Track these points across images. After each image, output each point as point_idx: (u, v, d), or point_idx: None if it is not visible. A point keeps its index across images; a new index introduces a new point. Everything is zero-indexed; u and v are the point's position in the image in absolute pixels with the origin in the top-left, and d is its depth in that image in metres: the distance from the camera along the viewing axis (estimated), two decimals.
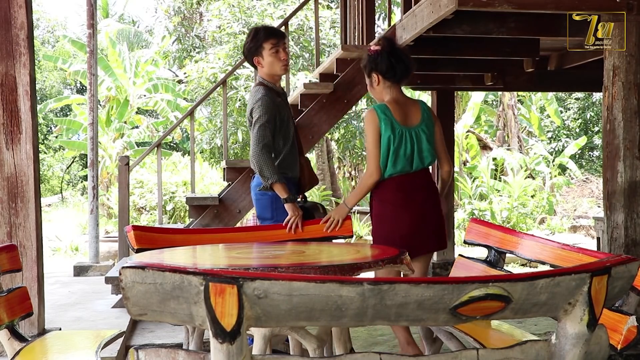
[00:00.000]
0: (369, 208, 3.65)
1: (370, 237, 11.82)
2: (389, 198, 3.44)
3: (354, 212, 12.42)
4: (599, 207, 14.04)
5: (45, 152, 24.80)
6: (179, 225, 8.89)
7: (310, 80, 8.69)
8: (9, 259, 2.39)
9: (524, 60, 6.59)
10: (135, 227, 3.04)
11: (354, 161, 15.61)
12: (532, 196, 14.04)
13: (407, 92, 13.92)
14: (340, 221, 3.46)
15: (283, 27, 6.84)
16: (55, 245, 11.41)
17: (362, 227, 11.89)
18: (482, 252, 2.85)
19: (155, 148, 7.15)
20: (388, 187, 3.43)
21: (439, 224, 3.50)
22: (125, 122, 17.54)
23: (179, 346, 3.43)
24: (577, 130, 21.38)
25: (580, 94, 20.77)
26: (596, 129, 20.81)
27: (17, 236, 3.48)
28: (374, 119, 3.36)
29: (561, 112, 20.72)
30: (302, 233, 3.47)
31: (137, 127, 18.31)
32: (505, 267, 2.84)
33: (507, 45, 5.86)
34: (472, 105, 15.17)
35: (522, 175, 14.61)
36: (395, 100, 3.44)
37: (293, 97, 6.33)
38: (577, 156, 19.97)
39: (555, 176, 16.23)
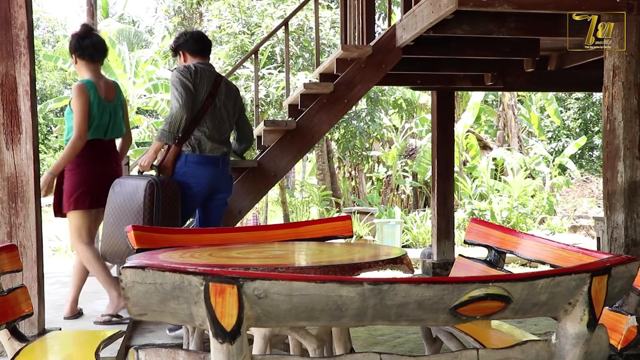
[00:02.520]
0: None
1: (370, 237, 11.83)
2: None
3: (354, 212, 12.43)
4: (599, 207, 14.04)
5: (45, 152, 24.80)
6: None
7: (310, 80, 8.69)
8: (9, 259, 2.39)
9: (524, 60, 6.59)
10: (135, 227, 3.04)
11: (354, 161, 15.61)
12: (532, 196, 14.04)
13: (407, 91, 13.93)
14: (46, 188, 3.96)
15: (283, 27, 6.85)
16: (55, 245, 11.41)
17: (362, 227, 11.89)
18: (482, 252, 2.85)
19: None
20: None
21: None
22: None
23: (179, 346, 3.42)
24: (577, 130, 21.39)
25: (580, 94, 20.78)
26: (596, 129, 20.81)
27: (17, 236, 3.48)
28: (84, 91, 4.00)
29: (561, 112, 20.73)
30: (302, 233, 3.48)
31: (137, 127, 18.31)
32: (505, 267, 2.84)
33: (507, 45, 5.87)
34: (472, 105, 15.17)
35: (522, 175, 14.61)
36: (98, 78, 4.15)
37: (293, 97, 6.33)
38: (577, 156, 19.98)
39: (555, 176, 16.23)
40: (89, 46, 4.13)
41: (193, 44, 4.37)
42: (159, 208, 3.91)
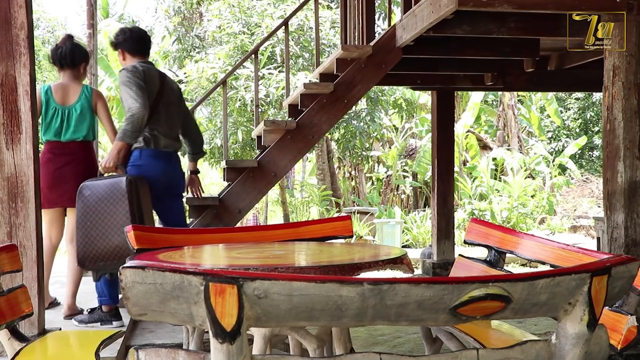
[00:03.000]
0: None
1: (370, 237, 11.83)
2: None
3: (354, 212, 12.42)
4: (599, 207, 14.04)
5: None
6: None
7: (310, 80, 8.68)
8: (9, 259, 2.38)
9: (524, 60, 6.59)
10: (135, 227, 3.04)
11: (354, 161, 15.61)
12: (532, 196, 14.04)
13: (407, 91, 13.93)
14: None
15: (283, 27, 6.85)
16: None
17: (362, 227, 11.89)
18: (482, 252, 2.85)
19: None
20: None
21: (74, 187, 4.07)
22: None
23: (179, 346, 3.42)
24: (577, 130, 21.38)
25: (580, 94, 20.78)
26: (596, 129, 20.81)
27: (17, 236, 3.48)
28: (39, 94, 4.27)
29: (561, 112, 20.72)
30: (302, 233, 3.48)
31: None
32: (505, 267, 2.84)
33: (507, 45, 5.87)
34: (472, 105, 15.17)
35: (522, 175, 14.60)
36: (60, 83, 4.40)
37: (293, 97, 6.33)
38: (577, 156, 19.97)
39: (555, 176, 16.23)
40: (56, 55, 4.43)
41: (132, 43, 4.37)
42: (140, 204, 3.92)
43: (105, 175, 4.13)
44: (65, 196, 4.26)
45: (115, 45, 4.43)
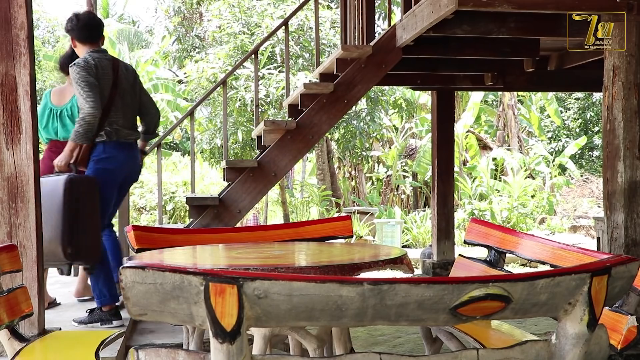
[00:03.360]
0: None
1: (370, 237, 11.83)
2: None
3: (354, 212, 12.42)
4: (599, 207, 14.04)
5: None
6: (179, 225, 8.89)
7: (310, 80, 8.68)
8: (9, 259, 2.38)
9: (524, 60, 6.59)
10: (135, 227, 3.05)
11: (354, 161, 15.61)
12: (532, 196, 14.03)
13: (407, 91, 13.93)
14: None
15: (283, 27, 6.85)
16: None
17: (362, 227, 11.89)
18: (482, 252, 2.85)
19: (156, 148, 7.15)
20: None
21: None
22: None
23: (179, 346, 3.42)
24: (577, 130, 21.38)
25: (580, 94, 20.77)
26: (596, 129, 20.81)
27: (17, 236, 3.47)
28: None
29: (561, 112, 20.72)
30: (302, 233, 3.49)
31: None
32: (505, 267, 2.84)
33: (507, 45, 5.87)
34: (472, 105, 15.16)
35: (522, 175, 14.60)
36: (60, 87, 4.76)
37: (293, 97, 6.33)
38: (577, 156, 19.97)
39: (555, 176, 16.23)
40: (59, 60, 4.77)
41: (79, 32, 4.28)
42: (79, 203, 3.90)
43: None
44: None
45: (66, 32, 4.42)
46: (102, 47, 4.37)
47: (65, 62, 4.46)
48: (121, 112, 4.29)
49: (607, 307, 1.85)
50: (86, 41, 4.27)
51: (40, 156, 4.20)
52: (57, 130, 4.59)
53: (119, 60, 4.43)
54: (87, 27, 4.28)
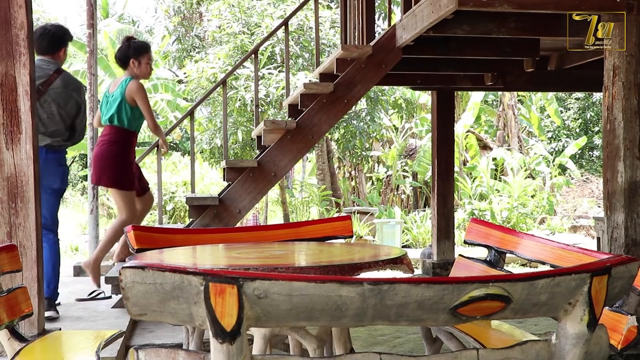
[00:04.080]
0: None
1: (370, 237, 11.82)
2: None
3: (354, 212, 12.41)
4: (599, 207, 14.04)
5: None
6: (179, 225, 8.89)
7: (310, 80, 8.68)
8: (9, 259, 2.38)
9: (524, 60, 6.59)
10: (135, 227, 3.04)
11: (354, 161, 15.60)
12: (532, 196, 14.03)
13: (407, 91, 13.93)
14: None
15: (283, 27, 6.85)
16: None
17: (362, 227, 11.89)
18: (482, 252, 2.85)
19: (155, 148, 7.15)
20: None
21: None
22: None
23: (179, 346, 3.42)
24: (577, 130, 21.38)
25: (580, 94, 20.77)
26: (596, 129, 20.80)
27: (17, 236, 3.47)
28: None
29: (561, 112, 20.72)
30: (302, 233, 3.48)
31: None
32: (505, 267, 2.84)
33: (507, 45, 5.86)
34: (472, 105, 15.16)
35: (522, 175, 14.60)
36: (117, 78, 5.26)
37: (293, 97, 6.33)
38: (577, 156, 19.96)
39: (555, 176, 16.22)
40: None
41: (35, 43, 4.30)
42: None
43: None
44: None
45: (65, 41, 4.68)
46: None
47: (123, 56, 5.13)
48: (38, 117, 4.37)
49: (607, 307, 1.85)
50: (39, 53, 4.45)
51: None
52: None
53: (63, 73, 4.56)
54: (38, 40, 4.46)
